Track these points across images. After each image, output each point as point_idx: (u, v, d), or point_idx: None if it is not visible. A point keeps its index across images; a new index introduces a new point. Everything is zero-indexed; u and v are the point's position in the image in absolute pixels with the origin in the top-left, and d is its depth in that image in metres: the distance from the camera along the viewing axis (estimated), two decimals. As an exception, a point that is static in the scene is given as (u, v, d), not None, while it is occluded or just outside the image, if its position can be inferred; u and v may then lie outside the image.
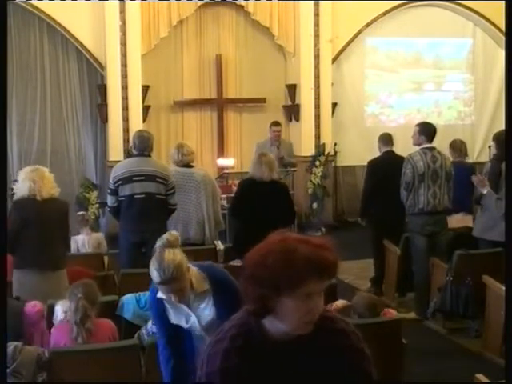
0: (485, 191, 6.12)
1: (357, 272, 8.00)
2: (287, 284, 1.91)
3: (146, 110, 10.58)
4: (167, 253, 3.17)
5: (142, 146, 6.09)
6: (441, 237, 6.50)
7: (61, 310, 4.19)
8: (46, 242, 4.97)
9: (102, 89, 10.30)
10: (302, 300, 1.94)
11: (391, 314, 4.64)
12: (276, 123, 9.82)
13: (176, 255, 3.17)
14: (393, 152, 7.41)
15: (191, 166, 6.51)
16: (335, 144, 11.06)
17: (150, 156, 6.13)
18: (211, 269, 3.38)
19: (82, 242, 6.82)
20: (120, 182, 5.93)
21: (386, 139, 7.46)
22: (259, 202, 6.08)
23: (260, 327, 2.02)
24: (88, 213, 9.16)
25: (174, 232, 3.38)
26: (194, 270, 3.27)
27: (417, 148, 6.53)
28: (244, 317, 2.06)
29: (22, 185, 4.99)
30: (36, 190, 4.95)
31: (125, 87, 10.21)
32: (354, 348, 2.07)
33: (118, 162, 7.06)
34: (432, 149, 6.47)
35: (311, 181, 10.87)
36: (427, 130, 6.52)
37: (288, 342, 2.02)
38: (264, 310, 1.98)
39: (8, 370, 3.52)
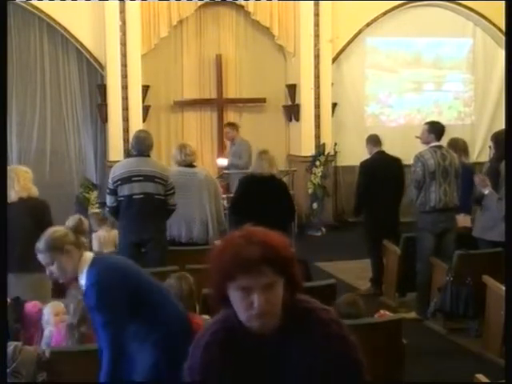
0: (486, 191, 6.13)
1: (357, 272, 8.00)
2: (221, 278, 2.01)
3: (145, 109, 10.57)
4: (52, 228, 3.42)
5: (138, 146, 6.09)
6: (451, 234, 6.51)
7: (49, 312, 4.18)
8: (17, 245, 4.84)
9: (102, 89, 10.30)
10: (241, 293, 1.99)
11: (387, 315, 4.62)
12: (226, 124, 10.23)
13: (55, 232, 3.39)
14: (384, 152, 7.46)
15: (193, 166, 6.53)
16: (335, 144, 11.05)
17: (149, 156, 6.13)
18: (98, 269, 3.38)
19: (104, 238, 6.85)
20: (119, 182, 5.92)
21: (375, 140, 7.54)
22: (259, 199, 6.14)
23: (241, 322, 2.04)
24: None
25: (83, 219, 3.52)
26: (86, 257, 3.38)
27: (425, 146, 6.58)
28: (227, 312, 2.09)
29: None
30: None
31: (125, 87, 10.20)
32: (334, 336, 2.07)
33: (118, 161, 7.06)
34: (440, 147, 6.52)
35: (311, 181, 10.87)
36: (436, 129, 6.58)
37: (269, 336, 2.04)
38: (217, 301, 2.07)
39: (8, 370, 3.51)
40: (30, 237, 4.92)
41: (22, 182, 5.03)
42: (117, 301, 3.32)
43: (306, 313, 2.09)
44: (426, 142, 6.59)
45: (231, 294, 2.01)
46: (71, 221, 3.48)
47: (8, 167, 5.23)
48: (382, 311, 4.69)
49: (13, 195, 4.94)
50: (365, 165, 7.55)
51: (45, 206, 5.18)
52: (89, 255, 3.44)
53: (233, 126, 10.15)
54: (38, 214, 5.05)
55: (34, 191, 5.14)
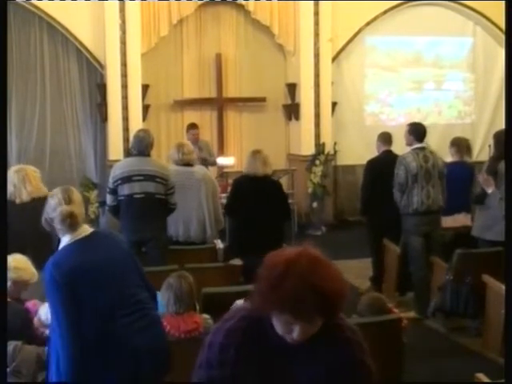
0: (490, 190, 6.12)
1: (357, 271, 7.99)
2: (269, 305, 2.00)
3: (145, 109, 10.58)
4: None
5: (138, 146, 6.08)
6: (434, 235, 6.55)
7: (44, 312, 4.17)
8: (26, 244, 4.79)
9: (102, 88, 10.30)
10: (283, 322, 2.01)
11: (395, 312, 4.60)
12: (192, 126, 9.69)
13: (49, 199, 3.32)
14: (391, 151, 7.44)
15: (191, 165, 6.52)
16: (335, 143, 11.06)
17: (149, 155, 6.13)
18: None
19: None
20: (119, 182, 5.92)
21: (386, 138, 7.48)
22: (253, 199, 6.13)
23: (270, 319, 2.06)
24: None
25: (74, 190, 3.38)
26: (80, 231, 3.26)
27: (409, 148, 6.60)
28: None
29: (7, 187, 4.91)
30: (16, 194, 4.90)
31: (125, 86, 10.20)
32: (352, 357, 2.09)
33: (118, 161, 7.06)
34: (423, 148, 6.53)
35: (311, 180, 10.87)
36: (416, 130, 6.60)
37: (291, 343, 2.05)
38: (261, 311, 2.06)
39: (8, 370, 3.51)
40: (43, 236, 4.95)
41: (33, 182, 5.02)
42: (64, 297, 3.09)
43: (335, 328, 2.11)
44: (409, 144, 6.63)
45: (273, 314, 2.03)
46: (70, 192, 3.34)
47: (17, 167, 5.25)
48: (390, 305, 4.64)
49: (24, 195, 4.92)
50: (371, 163, 7.53)
51: None
52: (83, 229, 3.27)
53: (197, 127, 9.75)
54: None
55: (45, 191, 5.14)
